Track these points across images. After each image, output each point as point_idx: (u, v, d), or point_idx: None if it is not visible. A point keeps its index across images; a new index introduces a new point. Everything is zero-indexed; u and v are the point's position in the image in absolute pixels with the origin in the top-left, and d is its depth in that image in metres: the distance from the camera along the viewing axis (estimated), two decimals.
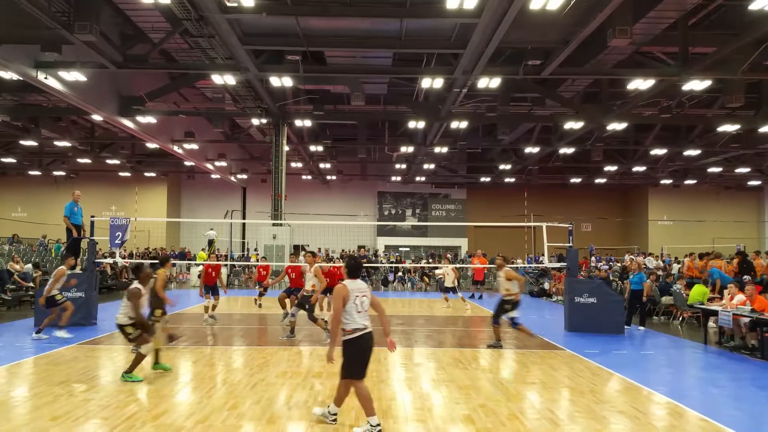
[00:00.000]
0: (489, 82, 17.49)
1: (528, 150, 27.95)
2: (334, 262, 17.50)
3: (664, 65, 17.02)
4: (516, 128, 25.91)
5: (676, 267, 19.88)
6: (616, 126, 22.38)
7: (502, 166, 32.47)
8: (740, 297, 11.16)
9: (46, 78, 16.33)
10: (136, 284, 7.88)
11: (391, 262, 28.87)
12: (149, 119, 21.87)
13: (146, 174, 36.36)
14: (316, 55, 17.74)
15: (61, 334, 10.82)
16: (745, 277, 14.26)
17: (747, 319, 10.44)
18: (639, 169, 32.01)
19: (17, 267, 16.79)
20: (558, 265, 20.42)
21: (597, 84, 21.14)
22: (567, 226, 13.90)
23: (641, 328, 13.59)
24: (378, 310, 6.01)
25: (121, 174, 36.16)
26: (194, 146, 27.52)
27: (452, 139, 27.09)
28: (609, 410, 6.65)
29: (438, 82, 17.76)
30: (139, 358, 7.71)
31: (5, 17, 13.90)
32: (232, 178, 35.80)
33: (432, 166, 33.04)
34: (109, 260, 18.98)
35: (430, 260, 27.94)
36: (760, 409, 7.03)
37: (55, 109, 23.24)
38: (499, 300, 10.61)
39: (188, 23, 13.80)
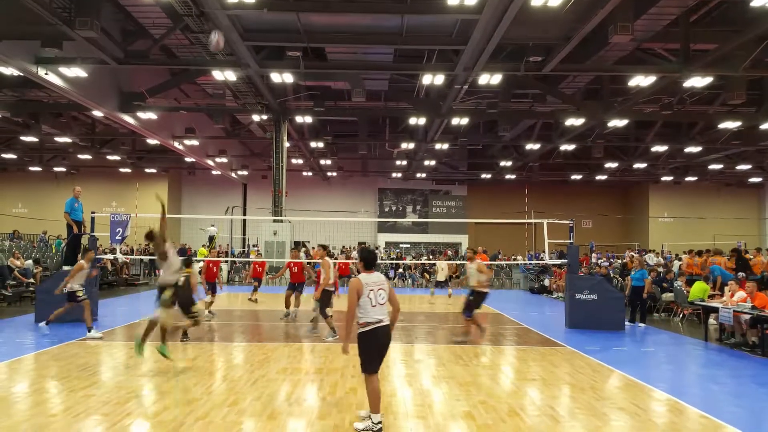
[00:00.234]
0: (490, 79, 17.45)
1: (529, 147, 27.92)
2: (336, 258, 17.57)
3: (666, 62, 16.99)
4: (517, 125, 25.89)
5: (677, 264, 19.87)
6: (617, 123, 22.36)
7: (502, 163, 32.44)
8: (741, 294, 11.16)
9: (46, 74, 16.31)
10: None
11: (392, 259, 28.88)
12: (150, 115, 21.86)
13: (147, 170, 36.36)
14: (316, 51, 17.71)
15: (93, 334, 10.55)
16: (740, 273, 14.27)
17: (747, 316, 10.44)
18: (640, 165, 31.99)
19: (18, 263, 16.79)
20: (558, 261, 20.43)
21: (598, 80, 21.10)
22: (568, 222, 13.89)
23: (642, 324, 13.59)
24: (392, 305, 5.86)
25: (122, 170, 36.17)
26: (195, 142, 27.50)
27: (453, 135, 27.05)
28: (609, 407, 6.66)
29: (439, 79, 17.73)
30: (153, 324, 8.22)
31: (6, 13, 13.89)
32: (233, 175, 35.80)
33: (433, 162, 33.02)
34: (110, 256, 18.97)
35: (431, 257, 27.95)
36: (760, 406, 7.03)
37: (55, 105, 23.22)
38: (472, 293, 10.73)
39: (189, 19, 13.78)
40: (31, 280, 16.57)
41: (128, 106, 21.00)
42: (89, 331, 10.64)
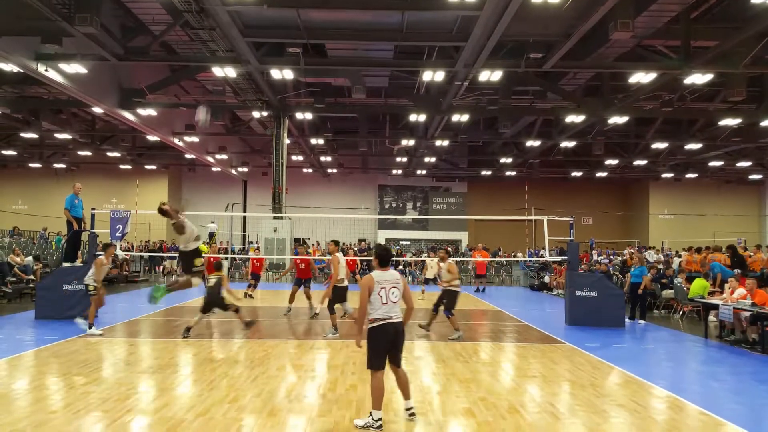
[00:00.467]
0: (490, 75, 17.40)
1: (529, 143, 27.87)
2: (346, 254, 17.60)
3: (666, 59, 16.95)
4: (517, 121, 25.83)
5: (676, 261, 19.88)
6: (618, 119, 22.32)
7: (503, 160, 32.39)
8: (741, 291, 11.17)
9: (46, 70, 16.27)
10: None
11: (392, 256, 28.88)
12: (150, 112, 21.81)
13: (147, 167, 36.30)
14: (317, 47, 17.67)
15: (93, 331, 10.55)
16: (736, 270, 14.27)
17: (747, 313, 10.45)
18: (640, 162, 31.94)
19: (18, 260, 16.79)
20: (559, 258, 20.44)
21: (598, 77, 21.06)
22: (568, 219, 13.89)
23: (642, 321, 13.61)
24: (406, 303, 5.88)
25: (122, 166, 36.11)
26: (195, 139, 27.46)
27: (453, 132, 27.02)
28: (609, 404, 6.66)
29: (439, 75, 17.69)
30: (184, 283, 8.80)
31: (6, 9, 13.85)
32: (233, 171, 35.76)
33: (433, 159, 32.97)
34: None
35: (431, 254, 27.95)
36: (760, 403, 7.04)
37: (55, 101, 23.18)
38: (447, 292, 10.99)
39: (189, 15, 13.73)
40: (31, 277, 16.56)
41: (128, 102, 20.96)
42: (90, 327, 10.63)
